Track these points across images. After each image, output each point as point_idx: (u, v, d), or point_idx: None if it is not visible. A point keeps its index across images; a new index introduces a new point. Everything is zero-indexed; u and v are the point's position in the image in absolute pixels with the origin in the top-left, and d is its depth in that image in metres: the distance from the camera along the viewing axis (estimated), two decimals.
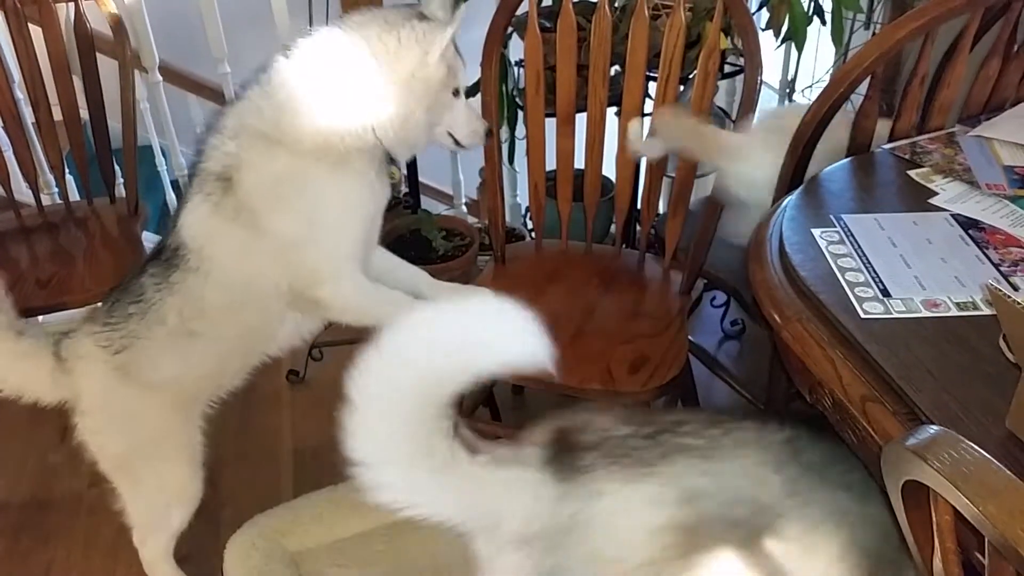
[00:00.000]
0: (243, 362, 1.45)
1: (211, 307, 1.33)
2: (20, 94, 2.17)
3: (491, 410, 1.95)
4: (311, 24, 1.95)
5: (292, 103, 1.27)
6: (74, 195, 2.22)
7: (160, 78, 2.32)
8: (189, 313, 1.33)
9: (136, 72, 2.03)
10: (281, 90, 1.28)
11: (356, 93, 1.28)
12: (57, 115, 1.96)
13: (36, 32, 1.92)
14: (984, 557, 0.61)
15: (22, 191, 2.20)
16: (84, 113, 1.96)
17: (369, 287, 1.39)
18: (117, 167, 2.09)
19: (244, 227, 1.29)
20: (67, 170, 2.14)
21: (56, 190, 2.35)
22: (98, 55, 1.94)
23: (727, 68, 1.99)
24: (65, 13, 2.00)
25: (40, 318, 2.37)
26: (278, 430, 2.12)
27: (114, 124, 1.92)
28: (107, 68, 1.94)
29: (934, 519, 0.65)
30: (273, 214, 1.28)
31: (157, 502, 1.49)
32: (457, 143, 1.43)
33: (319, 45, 1.30)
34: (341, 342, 2.28)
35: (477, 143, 1.45)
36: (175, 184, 2.53)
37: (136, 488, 1.47)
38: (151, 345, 1.34)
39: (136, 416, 1.40)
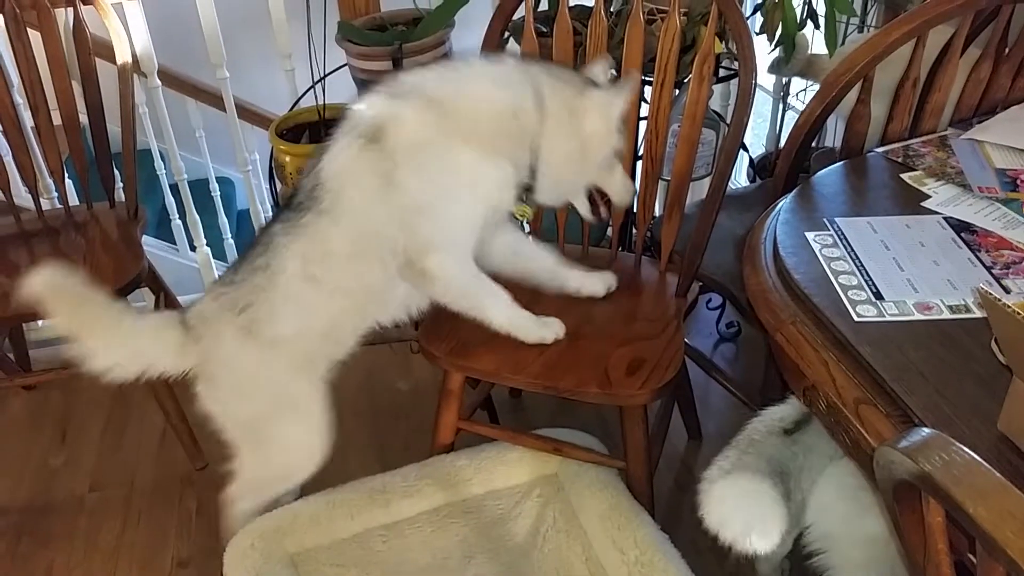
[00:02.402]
0: (357, 323, 1.46)
1: (334, 252, 1.35)
2: (19, 99, 2.18)
3: (489, 413, 1.96)
4: (309, 30, 1.96)
5: (472, 102, 1.33)
6: (74, 200, 2.24)
7: (159, 83, 2.33)
8: (312, 256, 1.34)
9: (135, 77, 2.04)
10: (466, 85, 1.34)
11: (528, 135, 1.35)
12: (56, 120, 1.97)
13: (35, 37, 1.93)
14: (976, 559, 0.62)
15: (22, 196, 2.21)
16: (83, 118, 1.97)
17: (473, 272, 1.42)
18: (116, 171, 2.09)
19: (381, 177, 1.31)
20: (67, 175, 2.15)
21: (56, 195, 2.36)
22: (97, 60, 1.95)
23: (722, 72, 2.00)
24: (64, 18, 2.00)
25: (40, 322, 2.39)
26: None
27: (113, 128, 1.92)
28: (106, 73, 1.95)
29: (926, 521, 0.66)
30: (409, 173, 1.30)
31: (281, 462, 1.50)
32: (593, 211, 1.51)
33: (511, 76, 1.35)
34: None
35: (627, 203, 1.53)
36: (174, 188, 2.54)
37: (262, 450, 1.48)
38: (273, 296, 1.36)
39: (261, 377, 1.42)
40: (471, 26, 1.96)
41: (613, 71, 1.74)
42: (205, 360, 1.40)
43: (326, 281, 1.36)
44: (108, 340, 1.36)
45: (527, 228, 1.69)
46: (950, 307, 1.02)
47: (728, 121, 2.21)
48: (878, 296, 1.04)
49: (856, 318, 1.01)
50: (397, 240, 1.34)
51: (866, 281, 1.07)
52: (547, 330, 1.47)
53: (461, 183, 1.33)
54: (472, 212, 1.36)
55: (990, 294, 0.78)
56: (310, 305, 1.38)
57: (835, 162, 1.40)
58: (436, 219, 1.34)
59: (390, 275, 1.39)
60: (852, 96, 1.46)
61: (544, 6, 1.99)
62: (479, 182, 1.35)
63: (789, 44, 1.77)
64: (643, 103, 1.70)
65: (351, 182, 1.31)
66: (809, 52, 1.93)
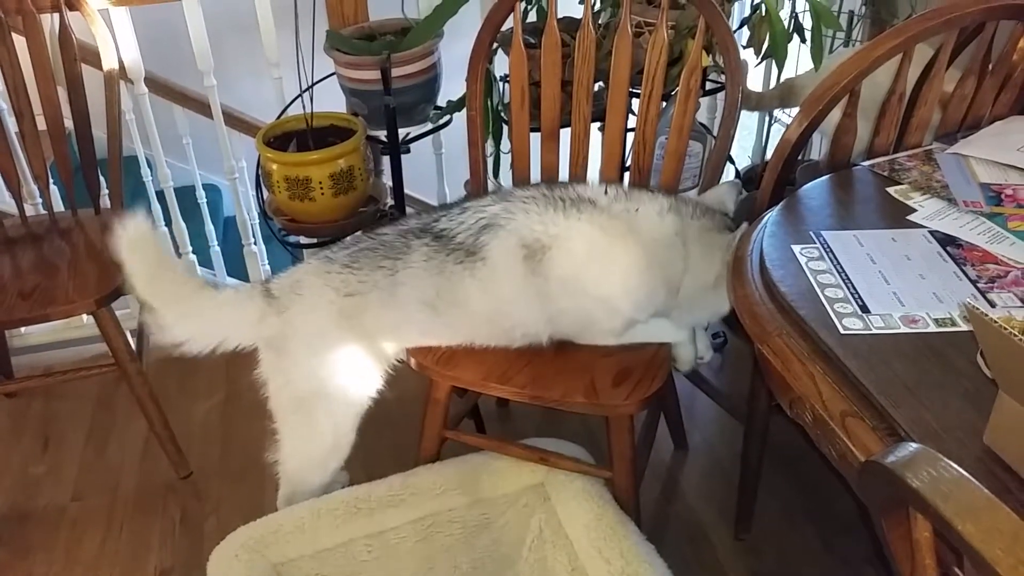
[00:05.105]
0: (447, 340, 1.50)
1: (466, 306, 1.42)
2: (4, 104, 2.16)
3: (476, 423, 1.96)
4: (297, 39, 1.96)
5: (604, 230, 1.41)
6: (58, 206, 2.22)
7: (146, 89, 2.31)
8: (445, 296, 1.41)
9: (122, 83, 2.03)
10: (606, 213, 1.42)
11: (675, 283, 1.45)
12: (41, 125, 1.95)
13: (20, 42, 1.92)
14: (963, 574, 0.62)
15: (5, 201, 2.19)
16: (69, 123, 1.96)
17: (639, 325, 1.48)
18: (102, 178, 2.08)
19: (533, 287, 1.40)
20: (51, 180, 2.13)
21: (40, 200, 2.33)
22: (84, 66, 1.94)
23: (709, 85, 2.01)
24: (49, 23, 1.99)
25: (23, 329, 2.37)
26: (262, 441, 2.11)
27: (99, 134, 1.91)
28: (93, 78, 1.94)
29: (913, 536, 0.66)
30: (559, 296, 1.41)
31: (321, 446, 1.53)
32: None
33: (670, 236, 1.43)
34: None
35: None
36: (160, 195, 2.52)
37: (304, 430, 1.51)
38: (385, 298, 1.41)
39: (339, 355, 1.45)
40: (460, 37, 1.96)
41: (601, 84, 1.75)
42: (284, 330, 1.42)
43: (447, 314, 1.43)
44: (184, 311, 1.39)
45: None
46: (936, 320, 1.03)
47: (715, 133, 2.22)
48: (864, 309, 1.05)
49: (842, 331, 1.01)
50: (534, 325, 1.44)
51: (852, 294, 1.07)
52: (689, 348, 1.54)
53: (600, 303, 1.43)
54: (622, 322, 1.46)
55: (977, 308, 0.79)
56: (418, 320, 1.44)
57: (820, 175, 1.41)
58: (592, 328, 1.47)
59: (513, 333, 1.46)
60: (833, 113, 1.46)
61: (533, 18, 2.00)
62: (616, 322, 1.46)
63: (782, 53, 1.78)
64: (631, 115, 1.70)
65: (509, 278, 1.40)
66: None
